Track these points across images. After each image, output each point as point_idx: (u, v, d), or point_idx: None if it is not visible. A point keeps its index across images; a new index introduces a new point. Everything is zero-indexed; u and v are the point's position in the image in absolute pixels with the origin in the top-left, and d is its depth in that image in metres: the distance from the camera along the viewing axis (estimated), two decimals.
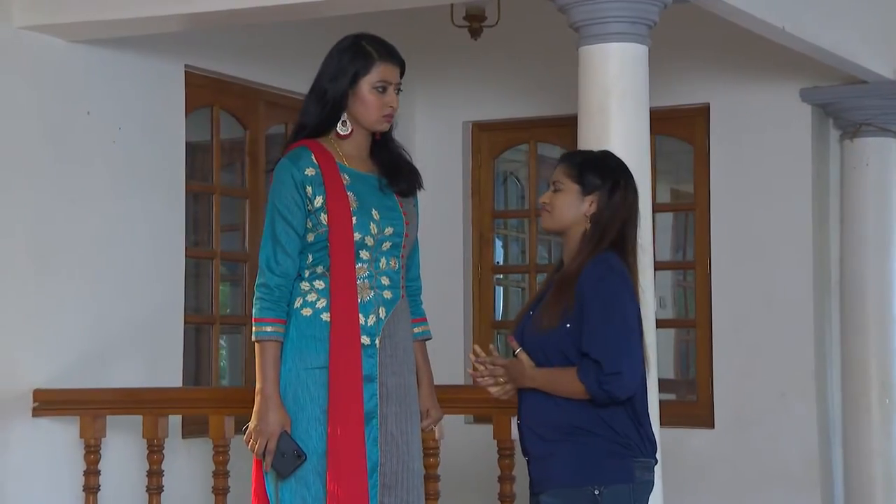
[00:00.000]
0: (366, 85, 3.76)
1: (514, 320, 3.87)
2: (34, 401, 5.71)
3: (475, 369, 3.75)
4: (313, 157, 3.74)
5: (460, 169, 7.81)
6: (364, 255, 3.74)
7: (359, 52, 3.78)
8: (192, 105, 6.60)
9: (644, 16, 4.85)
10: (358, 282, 3.72)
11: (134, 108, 6.24)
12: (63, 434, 5.76)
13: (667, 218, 8.65)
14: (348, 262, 3.72)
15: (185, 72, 6.51)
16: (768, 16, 5.64)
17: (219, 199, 6.80)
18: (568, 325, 3.59)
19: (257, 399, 3.70)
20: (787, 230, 7.16)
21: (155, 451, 5.48)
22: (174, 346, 6.42)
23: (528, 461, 3.75)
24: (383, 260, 3.77)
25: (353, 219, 3.72)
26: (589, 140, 4.81)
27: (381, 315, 3.76)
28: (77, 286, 5.95)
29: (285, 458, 3.64)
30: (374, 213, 3.75)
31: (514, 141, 7.89)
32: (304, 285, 3.75)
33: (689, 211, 7.63)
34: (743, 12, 5.48)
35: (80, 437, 5.62)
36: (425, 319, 4.00)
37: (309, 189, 3.72)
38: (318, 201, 3.73)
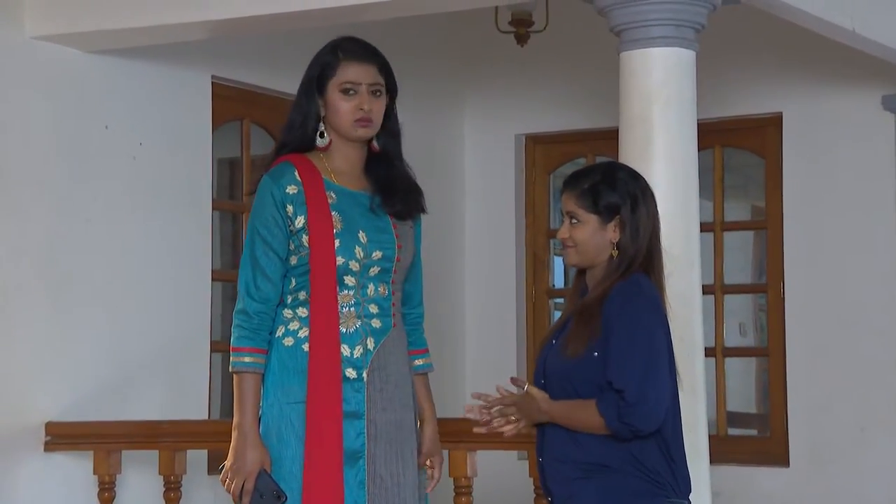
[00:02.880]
0: (333, 88, 3.72)
1: (537, 349, 3.84)
2: (46, 434, 5.77)
3: (486, 414, 3.69)
4: (296, 173, 3.69)
5: (513, 185, 7.80)
6: (349, 280, 3.69)
7: (325, 56, 3.76)
8: (220, 118, 6.65)
9: (690, 18, 4.81)
10: (344, 310, 3.67)
11: (156, 121, 6.29)
12: (76, 470, 5.80)
13: (743, 237, 8.55)
14: (329, 289, 3.67)
15: (212, 83, 6.56)
16: (834, 16, 5.57)
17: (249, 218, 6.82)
18: (595, 354, 3.55)
19: (234, 435, 3.66)
20: (869, 249, 7.06)
21: (172, 489, 5.51)
22: (199, 376, 6.45)
23: (550, 502, 3.72)
24: (371, 286, 3.71)
25: (336, 241, 3.67)
26: (631, 152, 4.78)
27: (369, 346, 3.70)
28: (94, 312, 6.00)
29: (264, 500, 3.60)
30: (361, 235, 3.70)
31: (570, 154, 7.86)
32: (287, 312, 3.71)
33: (761, 229, 7.55)
34: (804, 12, 5.41)
35: (94, 472, 5.67)
36: (427, 351, 3.93)
37: (290, 208, 3.67)
38: (300, 221, 3.67)
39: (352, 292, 3.69)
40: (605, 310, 3.56)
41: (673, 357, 3.63)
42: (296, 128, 3.76)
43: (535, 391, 3.64)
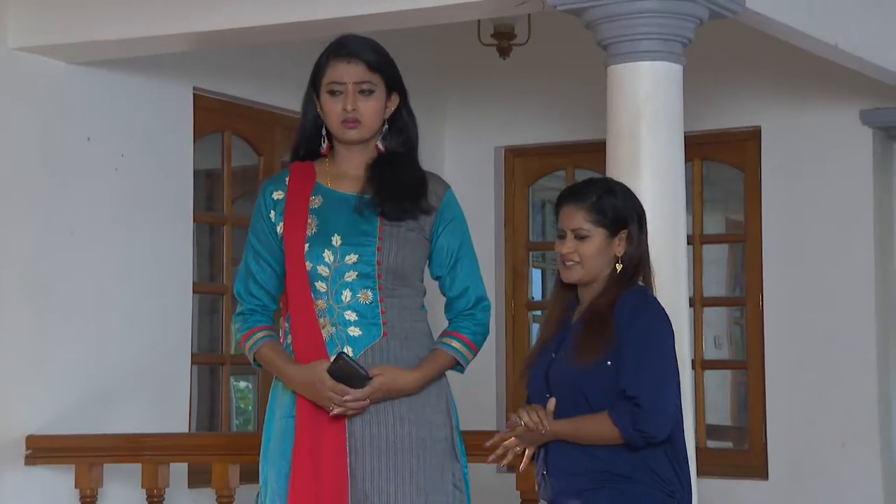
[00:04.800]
0: (323, 90, 3.64)
1: (524, 367, 3.76)
2: (27, 448, 5.74)
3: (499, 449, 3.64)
4: (287, 179, 3.66)
5: (492, 197, 7.81)
6: (320, 286, 3.58)
7: (319, 57, 3.68)
8: (202, 130, 6.64)
9: (677, 32, 4.83)
10: (320, 318, 3.57)
11: (138, 133, 6.28)
12: (57, 483, 5.77)
13: (720, 250, 8.60)
14: (304, 295, 3.57)
15: (194, 94, 6.55)
16: (818, 32, 5.61)
17: (230, 230, 6.82)
18: (609, 363, 3.56)
19: (298, 390, 3.56)
20: (847, 263, 7.09)
21: (155, 502, 5.49)
22: (181, 389, 6.43)
23: None
24: (347, 292, 3.57)
25: (306, 246, 3.58)
26: (618, 166, 4.79)
27: (347, 355, 3.53)
28: (75, 324, 5.98)
29: (353, 377, 3.49)
30: (335, 238, 3.58)
31: (550, 167, 7.88)
32: (285, 325, 3.66)
33: (740, 242, 7.59)
34: (790, 28, 5.45)
35: (76, 486, 5.65)
36: (464, 339, 3.64)
37: (273, 214, 3.64)
38: (280, 228, 3.64)
39: (323, 299, 3.58)
40: (617, 318, 3.57)
41: (678, 367, 3.66)
42: (299, 136, 3.72)
43: (532, 425, 3.58)
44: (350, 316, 3.58)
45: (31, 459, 5.74)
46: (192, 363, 6.57)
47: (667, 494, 3.57)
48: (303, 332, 3.59)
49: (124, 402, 6.16)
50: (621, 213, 3.66)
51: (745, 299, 7.47)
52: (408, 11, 5.27)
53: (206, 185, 6.99)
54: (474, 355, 3.68)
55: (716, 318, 8.77)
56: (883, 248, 7.15)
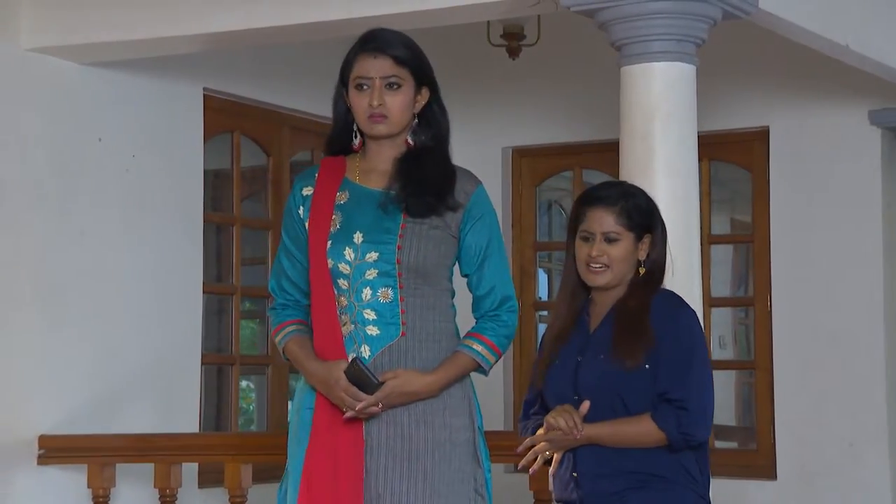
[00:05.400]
0: (350, 85, 3.60)
1: (541, 368, 3.70)
2: (39, 448, 5.76)
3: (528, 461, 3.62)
4: (317, 175, 3.64)
5: (499, 198, 7.77)
6: (342, 284, 3.55)
7: (348, 52, 3.64)
8: (211, 130, 6.66)
9: (691, 33, 4.85)
10: (342, 316, 3.54)
11: (149, 134, 6.30)
12: (70, 483, 5.80)
13: (724, 251, 8.62)
14: (326, 293, 3.55)
15: (204, 95, 6.57)
16: (829, 32, 5.63)
17: (239, 230, 6.85)
18: (647, 366, 3.55)
19: (316, 386, 3.55)
20: (856, 264, 7.10)
21: (167, 502, 5.51)
22: (191, 389, 6.45)
23: None
24: (367, 290, 3.53)
25: (329, 243, 3.56)
26: (632, 166, 4.81)
27: (364, 354, 3.52)
28: (86, 325, 6.00)
29: (366, 383, 3.46)
30: (357, 236, 3.55)
31: (557, 167, 7.89)
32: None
33: (748, 243, 7.60)
34: (801, 28, 5.47)
35: (88, 486, 5.68)
36: (486, 341, 3.56)
37: (301, 210, 3.63)
38: (308, 224, 3.62)
39: (345, 296, 3.55)
40: (654, 321, 3.56)
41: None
42: (331, 129, 3.69)
43: (567, 429, 3.54)
44: (369, 314, 3.54)
45: (43, 459, 5.76)
46: (202, 363, 6.59)
47: (699, 496, 3.57)
48: (323, 328, 3.58)
49: (134, 402, 6.18)
50: (647, 217, 3.67)
51: (753, 300, 7.49)
52: (421, 12, 5.27)
53: (215, 185, 7.02)
54: (497, 358, 3.62)
55: (721, 318, 8.78)
56: (891, 248, 7.16)
